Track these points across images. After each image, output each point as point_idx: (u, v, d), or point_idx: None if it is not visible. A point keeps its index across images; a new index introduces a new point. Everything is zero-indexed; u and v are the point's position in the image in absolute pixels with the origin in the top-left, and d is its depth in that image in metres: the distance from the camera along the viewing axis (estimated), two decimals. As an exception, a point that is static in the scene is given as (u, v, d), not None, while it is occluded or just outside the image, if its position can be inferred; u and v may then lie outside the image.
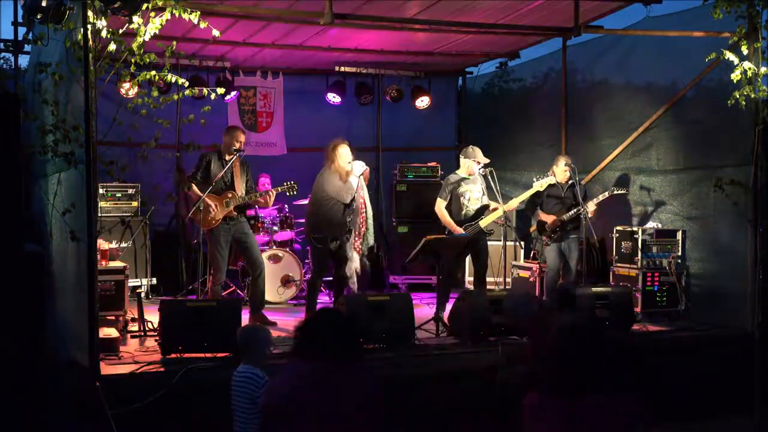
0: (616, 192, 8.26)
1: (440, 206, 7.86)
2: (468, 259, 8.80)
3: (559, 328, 3.07)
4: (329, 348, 3.21)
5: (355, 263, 7.60)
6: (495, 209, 7.90)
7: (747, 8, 7.08)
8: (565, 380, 2.97)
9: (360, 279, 8.11)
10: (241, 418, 4.38)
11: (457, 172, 8.00)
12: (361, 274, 8.10)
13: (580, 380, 2.95)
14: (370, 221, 7.65)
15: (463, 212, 7.81)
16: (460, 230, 7.69)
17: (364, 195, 7.56)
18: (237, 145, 7.52)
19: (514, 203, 8.04)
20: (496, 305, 6.74)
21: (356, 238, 7.50)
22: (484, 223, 7.80)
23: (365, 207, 7.55)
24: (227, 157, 7.53)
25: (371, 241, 7.69)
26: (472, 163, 7.83)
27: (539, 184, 8.00)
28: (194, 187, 7.45)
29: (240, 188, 7.58)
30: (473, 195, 7.87)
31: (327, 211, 7.48)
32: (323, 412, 3.11)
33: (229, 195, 7.50)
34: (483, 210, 7.88)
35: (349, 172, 7.47)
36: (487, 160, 7.86)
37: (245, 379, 4.42)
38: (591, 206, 8.02)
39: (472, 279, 8.61)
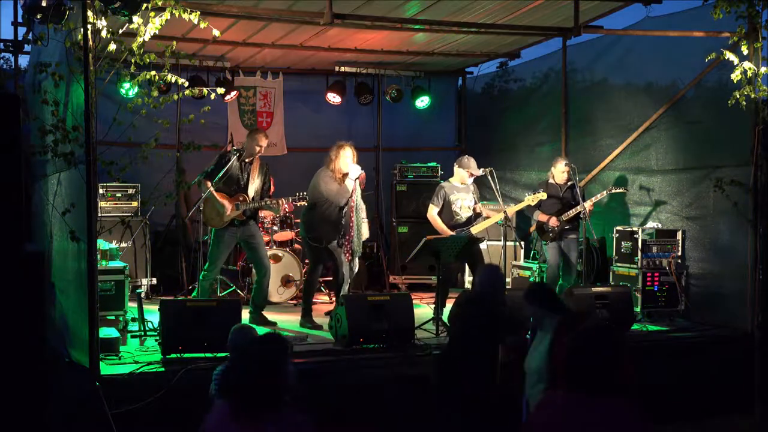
0: (614, 191, 8.27)
1: (432, 212, 7.93)
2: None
3: (579, 330, 3.09)
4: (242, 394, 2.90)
5: (345, 266, 7.57)
6: (487, 217, 7.94)
7: (747, 8, 7.09)
8: (581, 380, 2.97)
9: (356, 280, 8.08)
10: None
11: (450, 179, 8.08)
12: (356, 274, 8.04)
13: (595, 380, 2.96)
14: (360, 224, 7.56)
15: (455, 219, 7.88)
16: (453, 234, 7.73)
17: (356, 198, 7.52)
18: (258, 149, 7.47)
19: (509, 212, 8.06)
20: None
21: (347, 243, 7.47)
22: (475, 230, 7.86)
23: (354, 211, 7.47)
24: (248, 160, 7.51)
25: (359, 250, 7.63)
26: (465, 174, 7.90)
27: (530, 198, 8.03)
28: (207, 183, 7.37)
29: (253, 192, 7.52)
30: (464, 203, 7.94)
31: (323, 212, 7.49)
32: None
33: (240, 198, 7.45)
34: (473, 218, 7.97)
35: (346, 174, 7.48)
36: (481, 173, 7.92)
37: None
38: (587, 205, 8.03)
39: (471, 279, 8.61)
